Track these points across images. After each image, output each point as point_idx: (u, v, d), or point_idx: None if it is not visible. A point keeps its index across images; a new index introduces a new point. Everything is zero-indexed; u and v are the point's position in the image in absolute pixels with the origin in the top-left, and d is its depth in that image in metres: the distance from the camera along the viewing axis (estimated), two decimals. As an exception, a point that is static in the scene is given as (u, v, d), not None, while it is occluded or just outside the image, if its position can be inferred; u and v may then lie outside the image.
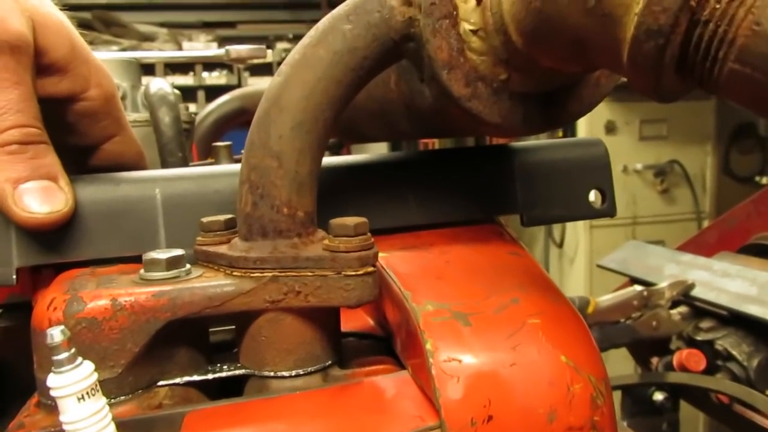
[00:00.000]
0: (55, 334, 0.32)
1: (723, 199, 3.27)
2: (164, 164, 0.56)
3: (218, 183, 0.50)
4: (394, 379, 0.39)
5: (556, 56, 0.34)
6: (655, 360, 1.14)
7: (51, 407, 0.39)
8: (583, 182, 0.57)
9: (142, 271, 0.41)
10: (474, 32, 0.39)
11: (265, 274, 0.40)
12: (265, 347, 0.41)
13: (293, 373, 0.41)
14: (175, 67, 4.28)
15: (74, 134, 0.51)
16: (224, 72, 4.35)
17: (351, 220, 0.40)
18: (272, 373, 0.41)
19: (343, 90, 0.42)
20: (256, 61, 0.78)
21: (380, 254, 0.47)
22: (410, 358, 0.40)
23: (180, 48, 4.40)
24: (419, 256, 0.47)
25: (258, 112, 0.42)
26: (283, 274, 0.40)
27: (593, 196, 0.58)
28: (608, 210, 0.58)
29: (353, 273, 0.39)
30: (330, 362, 0.43)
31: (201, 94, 4.35)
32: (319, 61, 0.41)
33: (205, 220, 0.45)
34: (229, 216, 0.46)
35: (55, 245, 0.46)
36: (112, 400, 0.38)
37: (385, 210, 0.52)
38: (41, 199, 0.43)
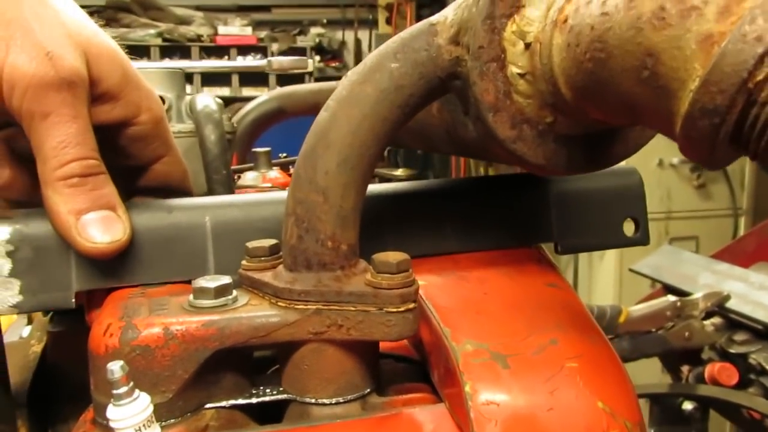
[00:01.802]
0: (116, 370, 0.34)
1: (761, 196, 3.19)
2: (209, 181, 0.58)
3: (263, 210, 0.51)
4: (431, 413, 0.41)
5: (605, 112, 0.34)
6: (685, 369, 1.13)
7: (107, 426, 0.41)
8: (617, 211, 0.57)
9: (191, 297, 0.43)
10: (521, 76, 0.39)
11: (309, 307, 0.41)
12: (307, 375, 0.43)
13: (333, 401, 0.43)
14: (209, 51, 4.33)
15: (125, 157, 0.53)
16: (258, 56, 4.38)
17: (393, 257, 0.41)
18: (313, 400, 0.43)
19: (388, 126, 0.42)
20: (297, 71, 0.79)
21: (421, 281, 0.48)
22: (448, 395, 0.41)
23: (215, 31, 4.44)
24: (457, 286, 0.48)
25: (305, 147, 0.43)
26: (326, 307, 0.41)
27: (627, 225, 0.58)
28: (641, 239, 0.58)
29: (395, 310, 0.40)
30: (368, 390, 0.44)
31: (235, 79, 4.39)
32: (365, 99, 0.41)
33: (250, 245, 0.47)
34: (274, 242, 0.47)
35: (111, 270, 0.48)
36: (163, 423, 0.40)
37: (422, 238, 0.53)
38: (102, 229, 0.45)
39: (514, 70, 0.39)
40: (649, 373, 1.72)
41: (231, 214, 0.51)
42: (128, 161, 0.54)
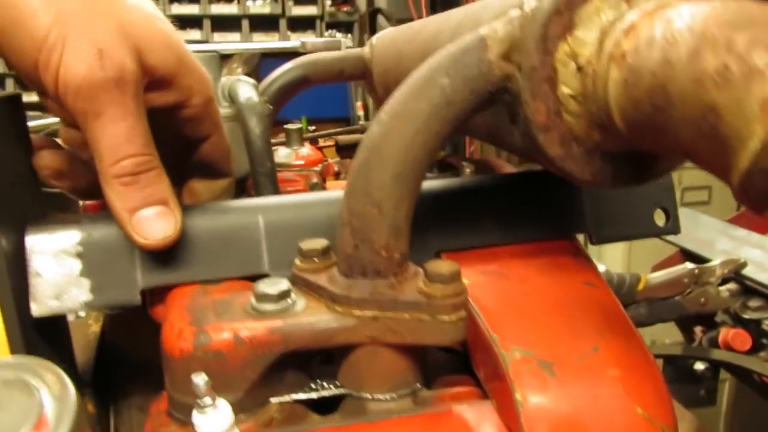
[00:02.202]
0: (201, 384, 0.37)
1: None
2: (254, 174, 0.60)
3: (312, 210, 0.54)
4: (480, 410, 0.44)
5: (658, 148, 0.36)
6: (698, 330, 1.17)
7: (182, 421, 0.45)
8: (648, 201, 0.59)
9: (253, 300, 0.46)
10: (572, 96, 0.40)
11: (366, 313, 0.44)
12: (363, 374, 0.46)
13: (388, 396, 0.46)
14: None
15: (175, 136, 0.55)
16: (268, 1, 4.28)
17: (446, 268, 0.43)
18: (369, 396, 0.46)
19: (438, 140, 0.44)
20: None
21: (465, 280, 0.51)
22: (496, 395, 0.44)
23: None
24: (499, 285, 0.51)
25: (358, 158, 0.45)
26: (382, 314, 0.44)
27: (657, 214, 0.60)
28: (672, 228, 0.61)
29: (447, 318, 0.43)
30: (419, 385, 0.47)
31: (245, 24, 4.30)
32: (418, 114, 0.43)
33: (303, 246, 0.49)
34: (325, 243, 0.50)
35: (173, 268, 0.51)
36: (239, 416, 0.44)
37: (460, 231, 0.55)
38: (155, 224, 0.48)
39: (565, 90, 0.41)
40: (662, 329, 1.77)
41: (282, 214, 0.54)
42: (178, 141, 0.55)
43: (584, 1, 0.40)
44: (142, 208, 0.48)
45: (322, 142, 0.95)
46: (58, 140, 0.57)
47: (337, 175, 0.87)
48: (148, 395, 0.66)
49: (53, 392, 0.36)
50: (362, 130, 0.94)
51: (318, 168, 0.79)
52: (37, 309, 0.48)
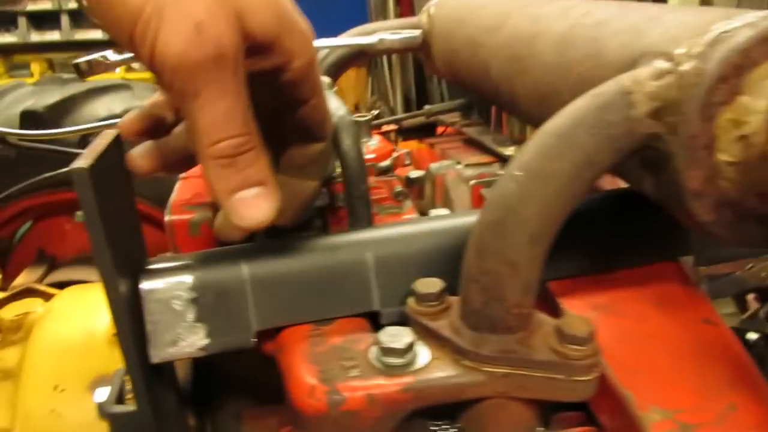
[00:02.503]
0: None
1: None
2: (349, 196, 0.58)
3: (421, 243, 0.53)
4: (609, 462, 0.45)
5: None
6: (750, 297, 1.18)
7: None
8: None
9: (377, 352, 0.46)
10: (731, 164, 0.38)
11: (497, 370, 0.44)
12: (489, 424, 0.47)
13: (511, 444, 0.47)
14: None
15: (272, 101, 0.51)
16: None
17: (581, 329, 0.43)
18: (493, 442, 0.47)
19: (576, 200, 0.42)
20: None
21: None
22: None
23: None
24: (617, 326, 0.50)
25: (490, 217, 0.43)
26: (514, 371, 0.44)
27: None
28: None
29: (583, 378, 0.43)
30: (540, 428, 0.48)
31: None
32: (559, 176, 0.41)
33: (419, 289, 0.49)
34: (441, 286, 0.49)
35: (286, 308, 0.50)
36: (366, 470, 0.45)
37: (564, 258, 0.54)
38: (253, 206, 0.46)
39: (724, 158, 0.38)
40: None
41: (391, 249, 0.53)
42: (275, 105, 0.52)
43: (754, 65, 0.37)
44: (241, 190, 0.45)
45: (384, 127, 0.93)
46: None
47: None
48: (242, 403, 0.68)
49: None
50: (426, 114, 0.90)
51: (389, 162, 0.77)
52: (155, 356, 0.49)
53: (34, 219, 1.55)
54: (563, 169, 0.41)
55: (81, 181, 0.41)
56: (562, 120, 0.42)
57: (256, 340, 0.50)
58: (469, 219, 0.55)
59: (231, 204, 0.45)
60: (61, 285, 1.33)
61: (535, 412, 0.47)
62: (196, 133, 0.44)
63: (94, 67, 0.64)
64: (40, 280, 1.37)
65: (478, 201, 0.73)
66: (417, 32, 0.80)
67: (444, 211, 0.69)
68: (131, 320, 0.47)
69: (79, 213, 1.60)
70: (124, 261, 0.48)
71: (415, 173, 0.85)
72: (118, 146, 0.49)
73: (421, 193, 0.89)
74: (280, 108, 0.52)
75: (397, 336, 0.46)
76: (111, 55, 0.64)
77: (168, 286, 0.49)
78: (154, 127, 0.55)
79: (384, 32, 0.77)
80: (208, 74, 0.42)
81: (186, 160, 0.55)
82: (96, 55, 0.65)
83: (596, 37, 0.51)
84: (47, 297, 0.99)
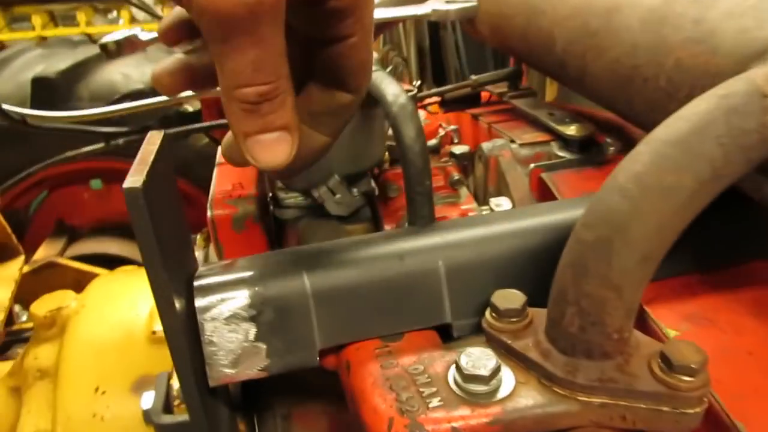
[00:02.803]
0: None
1: None
2: (410, 191, 0.53)
3: (493, 248, 0.48)
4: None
5: None
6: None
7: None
8: None
9: (458, 378, 0.42)
10: None
11: (593, 400, 0.40)
12: (579, 451, 0.43)
13: (602, 469, 0.43)
14: None
15: (309, 26, 0.45)
16: None
17: (692, 357, 0.38)
18: (581, 468, 0.44)
19: (694, 217, 0.37)
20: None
21: (671, 332, 0.46)
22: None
23: None
24: (715, 340, 0.46)
25: (594, 236, 0.38)
26: (612, 402, 0.40)
27: None
28: None
29: (691, 411, 0.39)
30: (631, 452, 0.44)
31: None
32: (680, 192, 0.36)
33: (499, 303, 0.44)
34: (522, 300, 0.44)
35: (352, 324, 0.46)
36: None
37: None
38: (269, 151, 0.42)
39: None
40: None
41: (463, 255, 0.48)
42: (311, 32, 0.45)
43: None
44: (258, 134, 0.42)
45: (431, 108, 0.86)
46: None
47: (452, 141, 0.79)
48: (289, 403, 0.65)
49: None
50: (473, 85, 0.84)
51: (436, 141, 0.71)
52: (214, 379, 0.45)
53: (50, 189, 1.50)
54: (684, 183, 0.36)
55: (134, 201, 0.36)
56: (682, 125, 0.36)
57: (319, 359, 0.46)
58: (548, 218, 0.50)
59: (248, 145, 0.42)
60: (84, 258, 1.29)
61: (629, 439, 0.43)
62: (222, 73, 0.39)
63: (122, 48, 0.58)
64: (62, 253, 1.33)
65: (537, 186, 0.68)
66: (473, 2, 0.73)
67: (505, 202, 0.63)
68: (188, 341, 0.43)
69: (95, 181, 1.55)
70: (178, 277, 0.44)
71: (459, 149, 0.80)
72: (166, 150, 0.44)
73: (466, 170, 0.84)
74: (315, 38, 0.45)
75: (480, 360, 0.42)
76: (141, 34, 0.58)
77: (225, 303, 0.44)
78: (194, 76, 0.49)
79: (436, 1, 0.70)
80: (241, 23, 0.37)
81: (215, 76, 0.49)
82: (125, 34, 0.58)
83: (701, 18, 0.45)
84: (75, 276, 0.96)
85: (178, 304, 0.42)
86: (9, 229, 1.06)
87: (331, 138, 0.49)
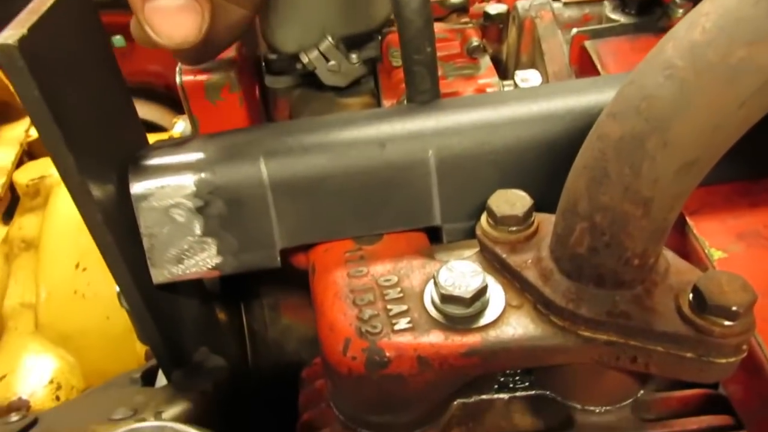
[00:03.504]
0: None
1: None
2: (407, 61, 0.42)
3: (500, 137, 0.38)
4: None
5: None
6: None
7: (343, 422, 0.37)
8: None
9: (435, 296, 0.34)
10: None
11: (598, 337, 0.32)
12: (577, 387, 0.36)
13: (603, 410, 0.37)
14: None
15: None
16: None
17: (735, 299, 0.29)
18: (579, 406, 0.37)
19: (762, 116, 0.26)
20: None
21: (716, 253, 0.37)
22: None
23: None
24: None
25: (623, 130, 0.28)
26: (622, 341, 0.32)
27: None
28: None
29: (723, 360, 0.30)
30: (641, 391, 0.37)
31: None
32: (753, 75, 0.25)
33: (497, 207, 0.36)
34: (527, 206, 0.35)
35: (319, 224, 0.39)
36: (415, 433, 0.36)
37: None
38: (170, 20, 0.34)
39: None
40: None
41: (460, 144, 0.38)
42: None
43: None
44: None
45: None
46: None
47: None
48: (276, 294, 0.60)
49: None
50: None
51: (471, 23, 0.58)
52: (157, 276, 0.39)
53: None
54: (762, 61, 0.24)
55: (10, 63, 0.28)
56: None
57: (280, 259, 0.40)
58: (578, 101, 0.39)
59: (146, 14, 0.34)
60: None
61: (639, 378, 0.36)
62: None
63: None
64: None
65: (577, 57, 0.55)
66: None
67: (534, 76, 0.52)
68: (121, 231, 0.37)
69: (117, 38, 1.46)
70: (105, 157, 0.36)
71: (495, 8, 0.66)
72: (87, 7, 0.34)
73: (500, 36, 0.71)
74: None
75: (464, 277, 0.33)
76: None
77: (164, 189, 0.37)
78: None
79: None
80: None
81: None
82: None
83: None
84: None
85: (101, 191, 0.35)
86: (12, 87, 1.00)
87: (250, 11, 0.40)
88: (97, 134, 0.35)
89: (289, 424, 0.53)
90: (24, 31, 0.28)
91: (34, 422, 0.37)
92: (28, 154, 1.06)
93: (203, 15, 0.34)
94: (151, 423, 0.29)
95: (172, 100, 1.29)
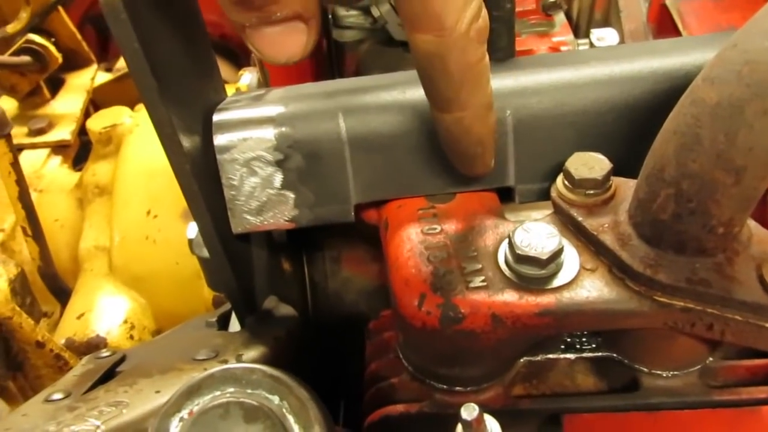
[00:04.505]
0: (469, 421, 0.29)
1: None
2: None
3: (579, 98, 0.38)
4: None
5: None
6: None
7: (414, 374, 0.39)
8: None
9: (510, 257, 0.34)
10: None
11: (675, 303, 0.32)
12: (647, 350, 0.37)
13: (670, 374, 0.37)
14: None
15: None
16: None
17: (823, 270, 0.29)
18: (646, 369, 0.37)
19: None
20: None
21: None
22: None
23: None
24: None
25: (720, 95, 0.27)
26: (699, 308, 0.32)
27: None
28: None
29: (805, 332, 0.30)
30: (710, 358, 0.37)
31: None
32: None
33: (574, 169, 0.36)
34: (606, 169, 0.35)
35: (393, 179, 0.40)
36: (484, 386, 0.38)
37: None
38: (273, 44, 0.33)
39: None
40: None
41: (538, 104, 0.38)
42: None
43: None
44: (261, 26, 0.33)
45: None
46: None
47: None
48: (338, 247, 0.61)
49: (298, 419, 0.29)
50: None
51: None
52: (236, 225, 0.40)
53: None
54: None
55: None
56: None
57: (354, 214, 0.41)
58: (660, 62, 0.38)
59: (247, 36, 0.33)
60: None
61: (709, 346, 0.36)
62: None
63: None
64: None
65: (656, 16, 0.53)
66: None
67: (611, 35, 0.50)
68: (205, 181, 0.38)
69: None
70: (191, 109, 0.37)
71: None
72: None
73: (571, -7, 0.69)
74: None
75: (539, 238, 0.34)
76: None
77: (247, 143, 0.38)
78: None
79: None
80: None
81: None
82: None
83: None
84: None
85: (189, 142, 0.36)
86: (79, 36, 1.03)
87: None
88: (186, 86, 0.36)
89: (343, 373, 0.55)
90: (126, -18, 0.29)
91: (123, 359, 0.40)
92: (91, 101, 1.09)
93: (308, 33, 0.33)
94: (242, 365, 0.30)
95: (228, 51, 1.29)
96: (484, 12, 0.32)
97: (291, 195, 0.40)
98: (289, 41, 0.33)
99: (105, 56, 1.42)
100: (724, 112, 0.27)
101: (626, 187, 0.36)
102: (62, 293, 0.87)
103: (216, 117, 0.39)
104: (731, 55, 0.27)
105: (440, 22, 0.30)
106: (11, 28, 0.91)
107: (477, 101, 0.33)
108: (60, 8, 1.03)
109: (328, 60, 0.59)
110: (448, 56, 0.31)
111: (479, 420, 0.30)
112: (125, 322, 0.78)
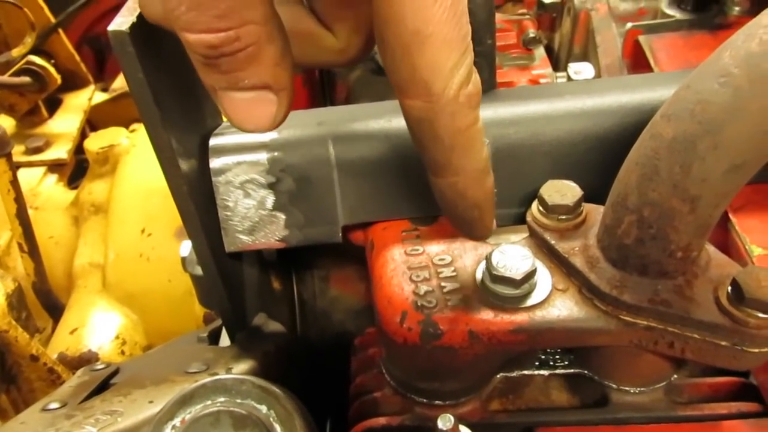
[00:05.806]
0: (444, 426, 0.31)
1: None
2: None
3: (554, 128, 0.41)
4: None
5: None
6: None
7: (395, 388, 0.41)
8: None
9: (487, 278, 0.37)
10: None
11: (639, 322, 0.34)
12: (614, 368, 0.39)
13: (637, 390, 0.39)
14: None
15: None
16: None
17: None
18: (614, 386, 0.39)
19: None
20: None
21: (756, 249, 0.39)
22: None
23: None
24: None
25: (676, 131, 0.30)
26: (661, 326, 0.34)
27: None
28: None
29: (756, 350, 0.32)
30: (674, 375, 0.39)
31: None
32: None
33: (548, 196, 0.38)
34: (577, 197, 0.38)
35: (381, 201, 0.42)
36: (461, 400, 0.40)
37: None
38: (243, 111, 0.32)
39: None
40: None
41: (516, 134, 0.41)
42: None
43: None
44: (230, 91, 0.32)
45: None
46: None
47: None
48: (327, 266, 0.63)
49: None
50: None
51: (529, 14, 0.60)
52: (229, 244, 0.42)
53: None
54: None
55: (121, 48, 0.32)
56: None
57: (341, 235, 0.43)
58: (630, 97, 0.41)
59: (218, 99, 0.32)
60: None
61: (673, 363, 0.38)
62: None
63: None
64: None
65: (631, 51, 0.57)
66: None
67: (587, 69, 0.53)
68: (200, 203, 0.40)
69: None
70: (189, 134, 0.40)
71: (533, 32, 0.67)
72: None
73: (552, 25, 0.72)
74: None
75: (514, 260, 0.36)
76: None
77: (241, 167, 0.41)
78: None
79: None
80: None
81: None
82: None
83: None
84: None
85: (187, 165, 0.38)
86: (78, 57, 1.06)
87: (356, 39, 0.35)
88: (185, 112, 0.39)
89: (330, 390, 0.57)
90: (134, 18, 0.32)
91: (117, 371, 0.42)
92: (87, 120, 1.11)
93: (279, 104, 0.32)
94: (232, 375, 0.32)
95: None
96: (476, 77, 0.31)
97: (282, 216, 0.42)
98: (258, 111, 0.32)
99: (101, 76, 1.44)
100: (680, 146, 0.29)
101: (596, 213, 0.38)
102: (55, 309, 0.88)
103: (212, 141, 0.41)
104: (685, 95, 0.30)
105: (428, 88, 0.30)
106: (16, 52, 0.93)
107: (470, 166, 0.33)
108: (60, 30, 1.06)
109: (320, 87, 0.62)
110: (437, 121, 0.31)
111: (455, 430, 0.32)
112: (117, 337, 0.79)
